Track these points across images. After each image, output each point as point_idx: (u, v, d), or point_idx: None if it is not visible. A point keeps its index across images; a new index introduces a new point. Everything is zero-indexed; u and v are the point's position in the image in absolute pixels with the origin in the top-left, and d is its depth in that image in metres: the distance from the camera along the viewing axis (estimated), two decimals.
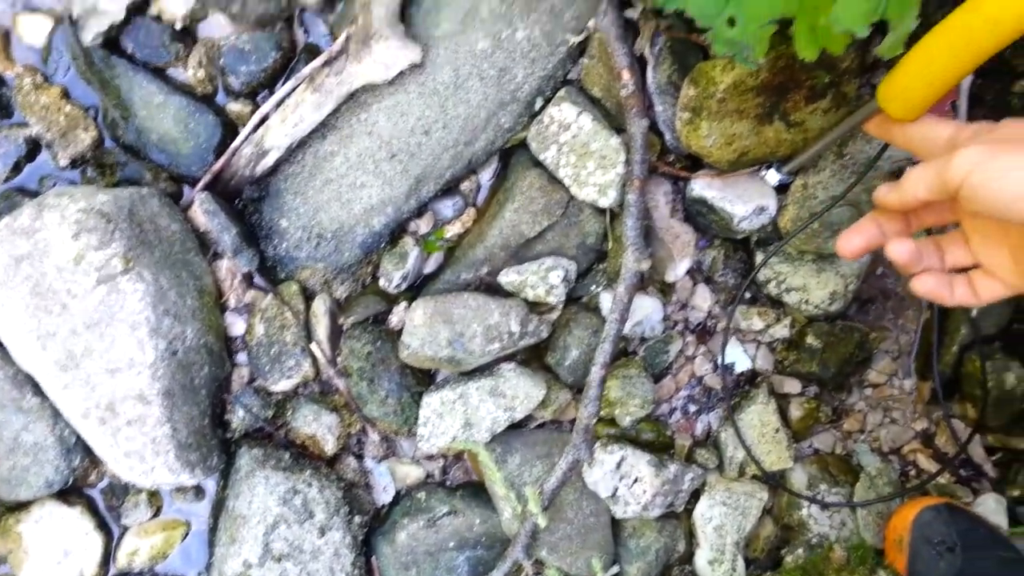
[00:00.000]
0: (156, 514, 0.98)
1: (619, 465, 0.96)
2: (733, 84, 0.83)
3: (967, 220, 0.64)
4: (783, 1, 0.69)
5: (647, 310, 0.97)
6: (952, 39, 0.62)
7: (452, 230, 0.98)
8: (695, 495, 1.00)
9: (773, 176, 0.94)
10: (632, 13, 0.88)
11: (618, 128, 0.91)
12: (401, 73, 0.87)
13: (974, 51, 0.61)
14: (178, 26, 0.90)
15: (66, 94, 0.92)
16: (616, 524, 1.00)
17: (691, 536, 1.01)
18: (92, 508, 0.97)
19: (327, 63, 0.86)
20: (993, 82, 0.93)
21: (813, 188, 0.91)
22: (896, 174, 0.94)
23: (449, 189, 0.96)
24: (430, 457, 1.01)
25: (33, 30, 0.91)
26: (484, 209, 0.98)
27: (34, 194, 0.92)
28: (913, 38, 0.67)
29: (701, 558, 1.00)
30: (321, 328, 0.95)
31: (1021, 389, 0.99)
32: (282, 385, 0.96)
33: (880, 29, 0.66)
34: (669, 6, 0.72)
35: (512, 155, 0.97)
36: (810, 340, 0.98)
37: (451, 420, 0.94)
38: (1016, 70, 0.91)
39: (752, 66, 0.73)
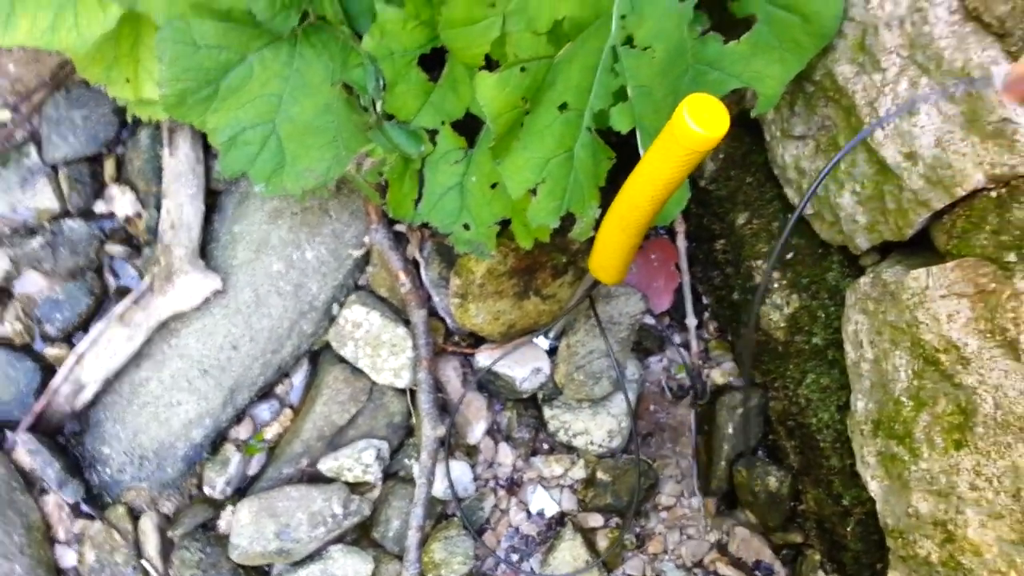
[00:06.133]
0: None
1: None
2: (487, 271, 1.01)
3: None
4: (501, 206, 0.89)
5: (457, 472, 1.08)
6: (616, 221, 0.83)
7: (272, 431, 1.07)
8: None
9: (543, 341, 1.11)
10: (401, 227, 1.07)
11: (405, 320, 1.07)
12: (206, 299, 0.99)
13: (633, 226, 0.82)
14: None
15: None
16: None
17: None
18: None
19: (136, 301, 0.97)
20: (701, 243, 1.17)
21: (575, 346, 1.09)
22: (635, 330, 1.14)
23: (265, 394, 1.07)
24: None
25: None
26: (300, 407, 1.08)
27: None
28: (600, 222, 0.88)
29: None
30: (150, 544, 1.00)
31: (784, 490, 1.16)
32: None
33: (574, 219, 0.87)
34: (417, 220, 0.91)
35: (319, 355, 1.10)
36: (601, 476, 1.12)
37: None
38: (715, 233, 1.16)
39: (488, 258, 0.92)
